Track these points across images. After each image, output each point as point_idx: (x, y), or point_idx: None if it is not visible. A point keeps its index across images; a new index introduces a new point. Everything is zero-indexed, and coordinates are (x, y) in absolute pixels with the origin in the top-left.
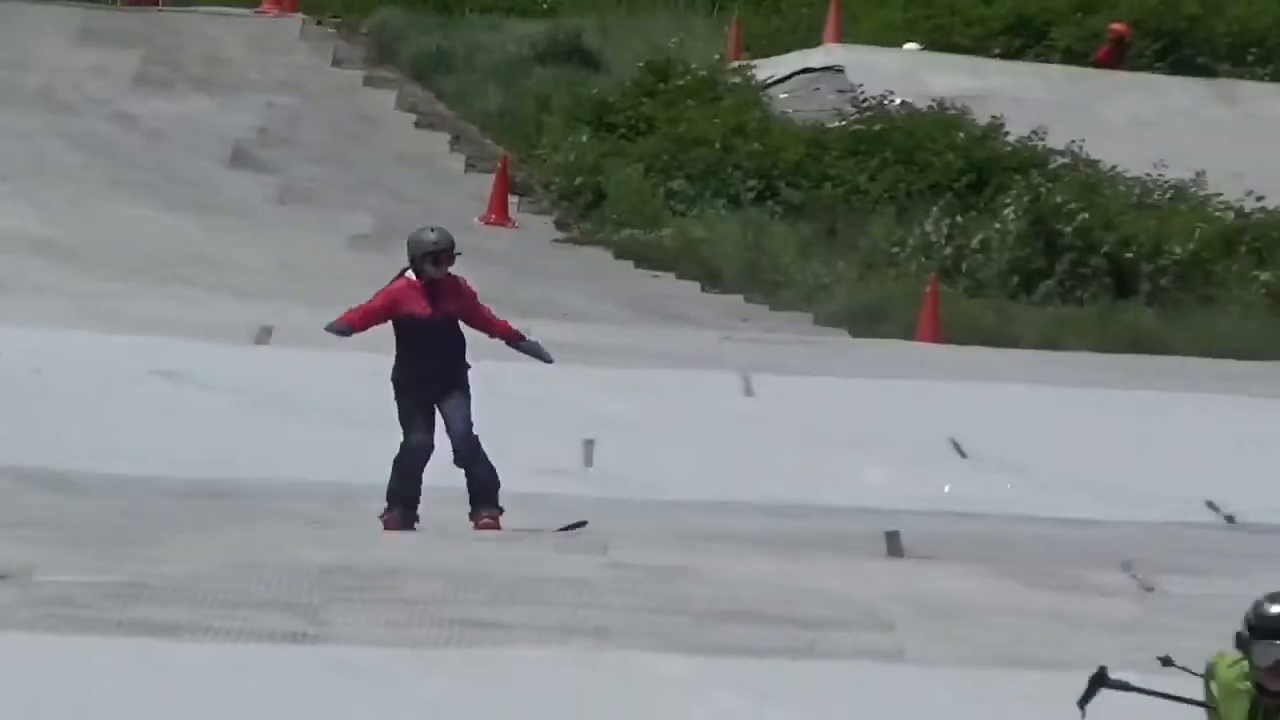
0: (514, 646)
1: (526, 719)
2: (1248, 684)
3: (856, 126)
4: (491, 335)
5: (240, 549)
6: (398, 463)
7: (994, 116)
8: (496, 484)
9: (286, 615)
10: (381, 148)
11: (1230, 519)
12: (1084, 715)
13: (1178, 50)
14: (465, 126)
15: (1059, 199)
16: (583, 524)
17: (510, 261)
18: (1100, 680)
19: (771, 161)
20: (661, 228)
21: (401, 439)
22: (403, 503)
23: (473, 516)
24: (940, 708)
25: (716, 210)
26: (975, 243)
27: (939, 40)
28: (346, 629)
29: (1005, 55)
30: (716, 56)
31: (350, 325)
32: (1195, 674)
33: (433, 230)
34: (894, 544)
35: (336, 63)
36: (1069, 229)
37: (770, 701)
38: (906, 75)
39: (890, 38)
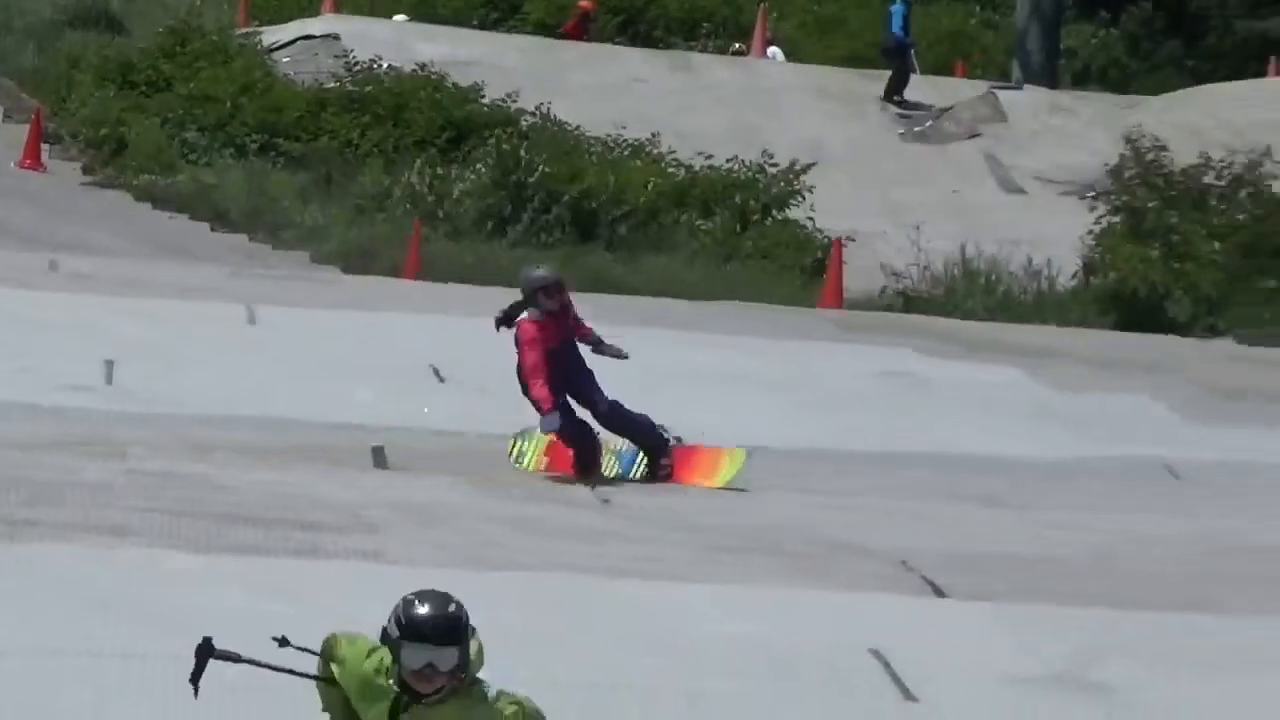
0: (43, 542)
1: (54, 606)
2: (390, 682)
3: (350, 88)
4: (582, 341)
5: None
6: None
7: (474, 81)
8: (658, 437)
9: None
10: None
11: (678, 440)
12: (196, 692)
13: (636, 24)
14: (4, 82)
15: (526, 154)
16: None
17: (42, 202)
18: (207, 652)
19: (275, 117)
20: (176, 174)
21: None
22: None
23: (654, 467)
24: None
25: (225, 159)
26: (454, 192)
27: (425, 12)
28: None
29: (483, 26)
30: (227, 23)
31: (553, 404)
32: (313, 652)
33: (539, 266)
34: (379, 457)
35: None
36: (534, 180)
37: (270, 597)
38: (396, 43)
39: (382, 8)
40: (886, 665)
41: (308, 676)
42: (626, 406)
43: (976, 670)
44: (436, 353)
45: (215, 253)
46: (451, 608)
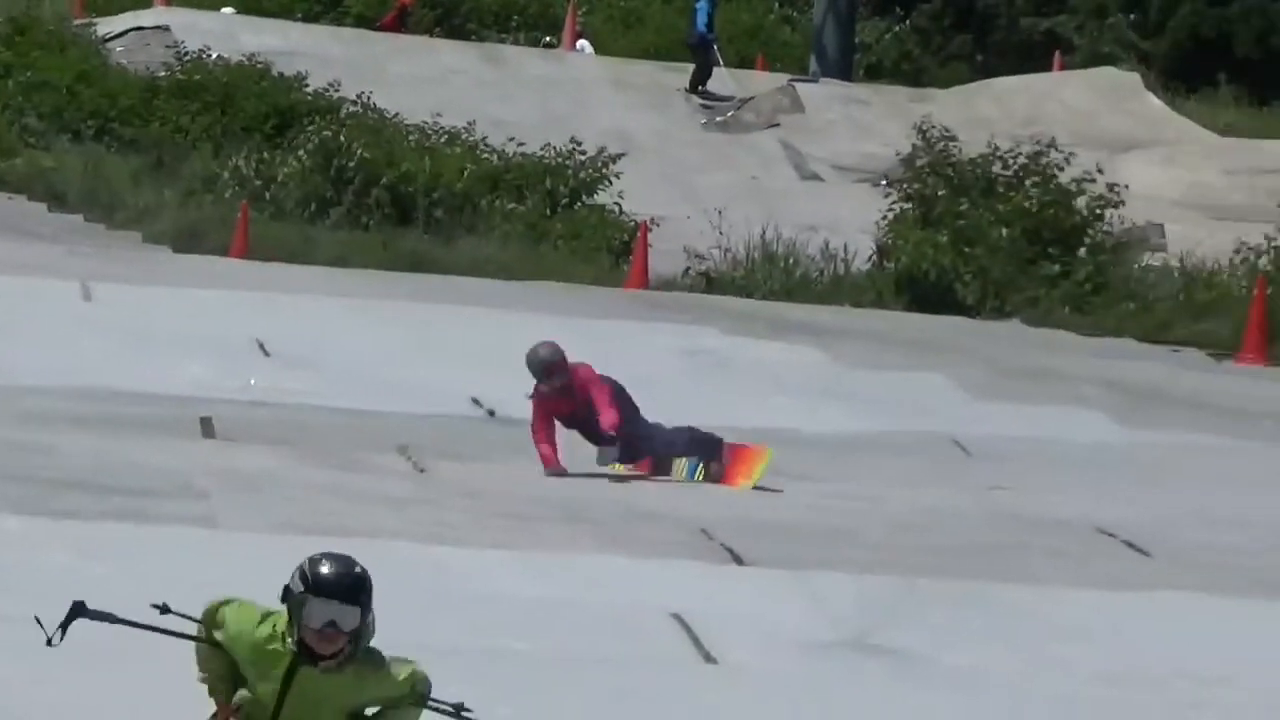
0: None
1: None
2: (290, 643)
3: (181, 77)
4: (599, 421)
5: None
6: None
7: (297, 71)
8: (712, 440)
9: None
10: None
11: (491, 413)
12: (56, 641)
13: (452, 18)
14: None
15: (346, 140)
16: None
17: None
18: (80, 611)
19: (110, 104)
20: (15, 157)
21: None
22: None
23: (707, 470)
24: (245, 566)
25: (63, 144)
26: (279, 176)
27: (251, 5)
28: None
29: (306, 19)
30: (63, 14)
31: (552, 463)
32: (193, 619)
33: (541, 346)
34: (208, 427)
35: None
36: (353, 165)
37: (98, 560)
38: (224, 34)
39: (211, 1)
40: (686, 628)
41: (187, 637)
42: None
43: (773, 634)
44: (262, 328)
45: (52, 232)
46: (358, 569)
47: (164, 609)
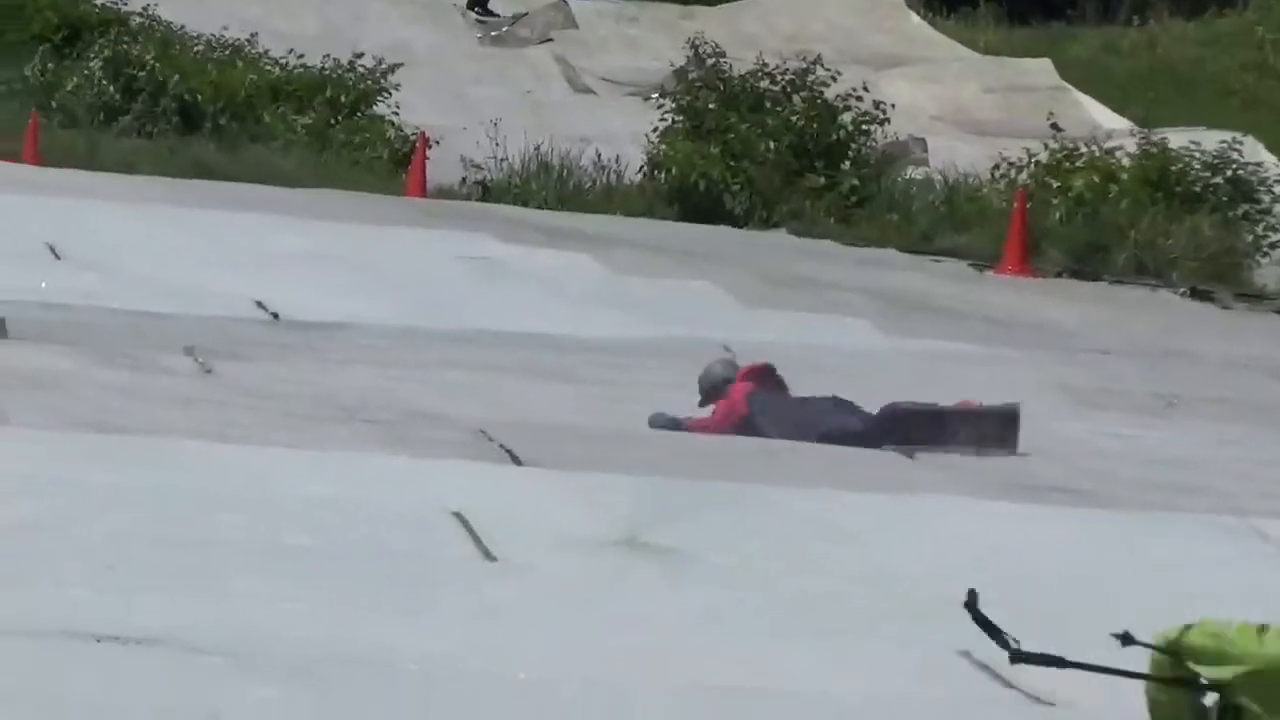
0: None
1: None
2: None
3: None
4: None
5: None
6: None
7: None
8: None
9: None
10: None
11: (275, 316)
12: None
13: None
14: None
15: (139, 52)
16: None
17: None
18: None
19: None
20: None
21: None
22: None
23: None
24: (36, 462)
25: None
26: (69, 84)
27: None
28: None
29: None
30: None
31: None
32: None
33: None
34: (1, 329)
35: None
36: (143, 75)
37: None
38: None
39: None
40: (467, 527)
41: (1137, 676)
42: None
43: (551, 532)
44: (52, 232)
45: None
46: None
47: (1126, 639)
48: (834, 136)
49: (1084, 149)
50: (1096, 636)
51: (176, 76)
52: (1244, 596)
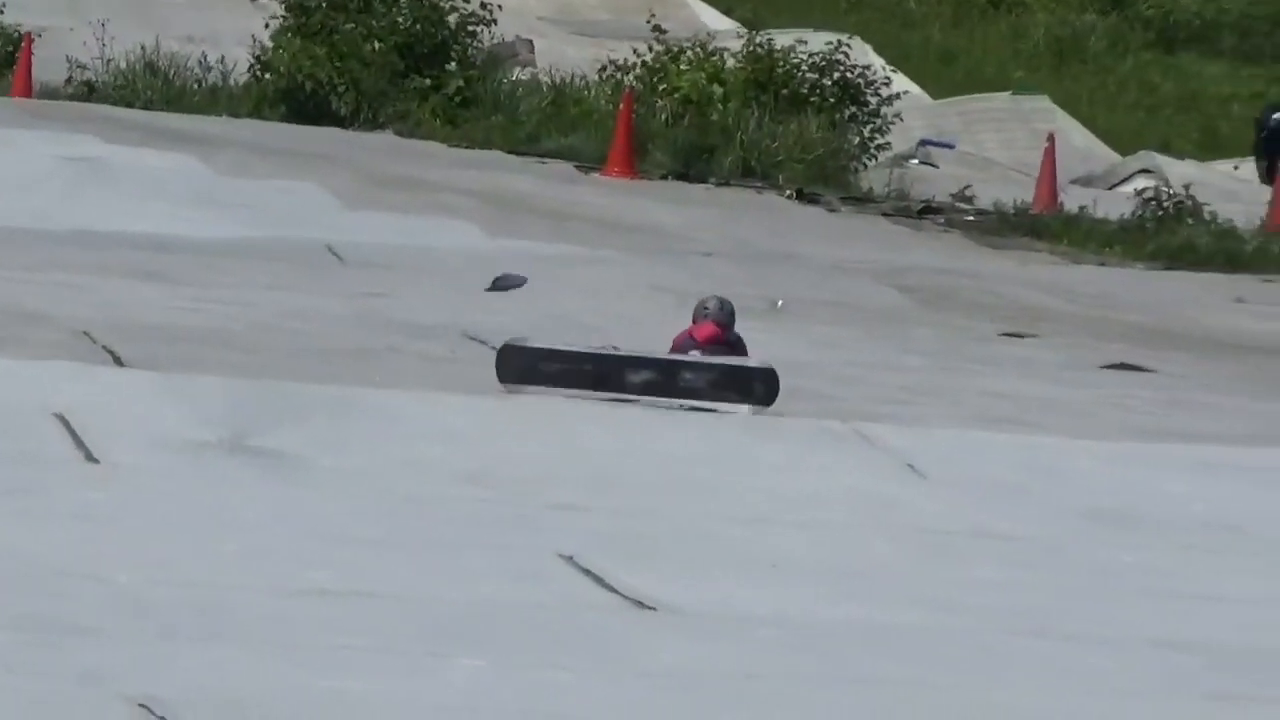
0: None
1: None
2: None
3: None
4: None
5: None
6: None
7: None
8: None
9: None
10: None
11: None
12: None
13: None
14: None
15: None
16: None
17: None
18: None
19: None
20: None
21: None
22: None
23: None
24: None
25: None
26: None
27: None
28: None
29: None
30: None
31: None
32: None
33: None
34: None
35: None
36: None
37: None
38: None
39: None
40: (69, 428)
41: None
42: None
43: (153, 434)
44: None
45: None
46: None
47: None
48: (439, 37)
49: (690, 50)
50: (692, 535)
51: None
52: (848, 501)
